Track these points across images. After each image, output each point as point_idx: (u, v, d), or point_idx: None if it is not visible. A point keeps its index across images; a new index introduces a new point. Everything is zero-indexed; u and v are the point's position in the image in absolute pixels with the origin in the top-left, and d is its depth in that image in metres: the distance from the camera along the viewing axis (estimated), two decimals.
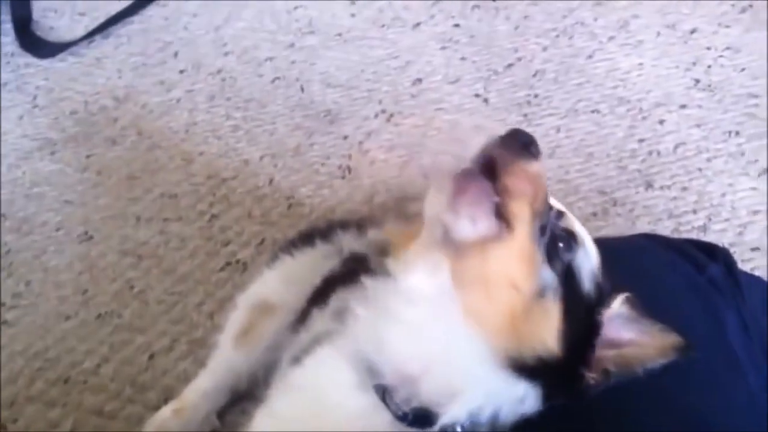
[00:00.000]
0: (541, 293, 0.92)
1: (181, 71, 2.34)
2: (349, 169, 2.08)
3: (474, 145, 0.92)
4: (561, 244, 0.95)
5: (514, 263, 0.90)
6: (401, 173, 2.07)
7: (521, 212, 0.91)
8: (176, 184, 2.09)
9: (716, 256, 1.28)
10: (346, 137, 2.17)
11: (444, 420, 0.92)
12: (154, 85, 2.31)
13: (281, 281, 1.47)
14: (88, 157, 2.16)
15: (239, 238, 1.94)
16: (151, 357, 1.70)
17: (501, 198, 0.90)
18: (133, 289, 1.84)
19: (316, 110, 2.23)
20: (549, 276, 0.93)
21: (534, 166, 0.92)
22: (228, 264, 1.88)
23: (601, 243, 1.40)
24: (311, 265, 1.41)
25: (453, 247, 0.89)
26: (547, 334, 0.92)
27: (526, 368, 0.92)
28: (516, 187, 0.90)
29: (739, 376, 1.10)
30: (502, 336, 0.90)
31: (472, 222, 0.89)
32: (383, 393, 0.94)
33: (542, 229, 0.93)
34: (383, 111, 2.22)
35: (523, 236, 0.91)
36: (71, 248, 1.93)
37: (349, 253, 1.39)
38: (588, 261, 0.98)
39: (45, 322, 1.77)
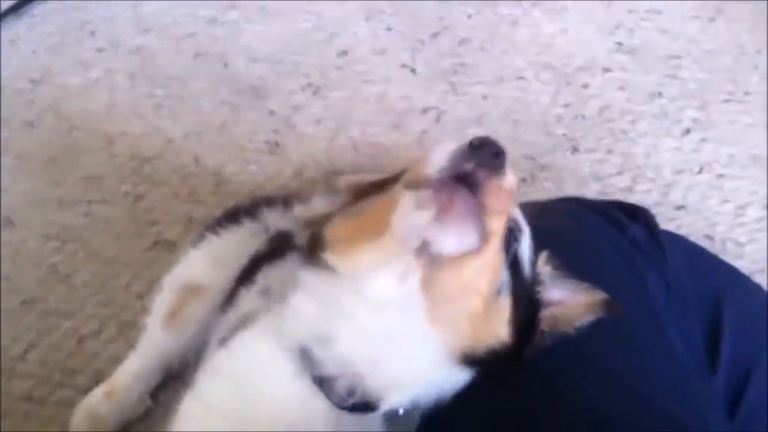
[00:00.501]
0: (498, 292, 0.92)
1: (99, 50, 2.28)
2: (277, 144, 2.06)
3: (440, 154, 0.87)
4: (509, 237, 0.94)
5: (486, 272, 0.90)
6: (330, 147, 2.06)
7: (499, 227, 0.89)
8: (99, 166, 2.03)
9: (638, 217, 1.30)
10: (272, 112, 2.14)
11: (386, 407, 0.93)
12: (71, 66, 2.24)
13: (207, 261, 1.44)
14: (6, 141, 2.08)
15: (166, 217, 1.90)
16: (80, 341, 1.66)
17: (481, 215, 0.87)
18: (59, 273, 1.79)
19: (240, 86, 2.19)
20: (505, 274, 0.93)
21: (508, 181, 0.88)
22: (156, 244, 1.84)
23: (527, 208, 1.41)
24: (237, 244, 1.39)
25: (429, 258, 0.86)
26: (500, 328, 0.93)
27: (477, 359, 0.92)
28: (495, 206, 0.87)
29: (659, 334, 1.11)
30: (461, 337, 0.90)
31: (459, 238, 0.86)
32: (321, 381, 0.92)
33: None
34: (309, 84, 2.20)
35: (496, 247, 0.90)
36: None
37: (276, 232, 1.37)
38: (527, 245, 0.99)
39: None
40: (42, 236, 1.87)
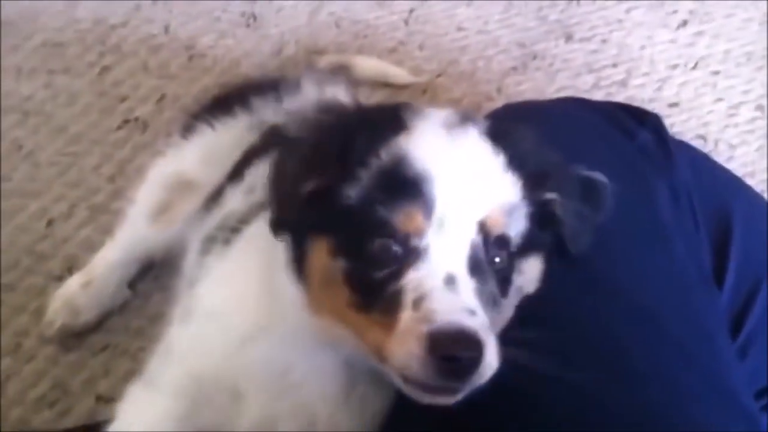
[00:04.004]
0: None
1: None
2: (254, 17, 1.93)
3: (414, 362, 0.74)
4: None
5: None
6: (311, 23, 1.94)
7: None
8: (59, 31, 1.89)
9: (646, 122, 1.23)
10: None
11: None
12: None
13: (201, 156, 1.34)
14: None
15: (136, 93, 1.78)
16: (49, 224, 1.56)
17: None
18: (22, 149, 1.67)
19: None
20: None
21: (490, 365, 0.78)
22: (125, 122, 1.73)
23: (529, 107, 1.34)
24: (233, 138, 1.30)
25: None
26: None
27: None
28: None
29: (665, 245, 1.07)
30: None
31: None
32: None
33: None
34: None
35: None
36: None
37: (269, 127, 1.28)
38: None
39: None
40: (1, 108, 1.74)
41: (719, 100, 1.84)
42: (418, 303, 0.75)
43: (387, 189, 0.79)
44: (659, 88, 1.84)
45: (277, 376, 0.92)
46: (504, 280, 0.82)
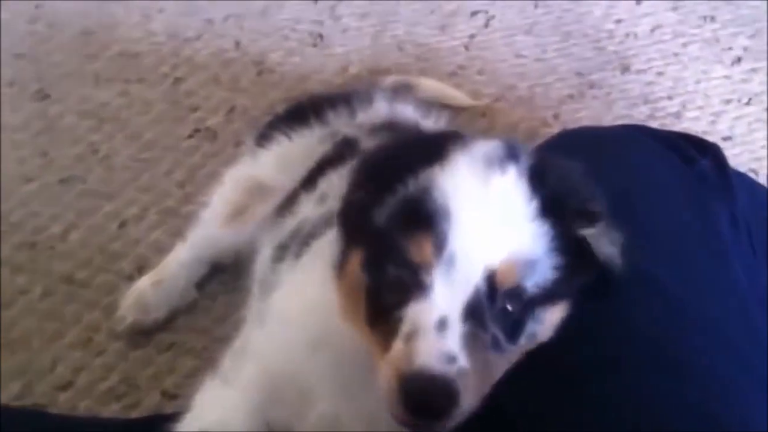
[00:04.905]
0: None
1: None
2: (321, 37, 2.00)
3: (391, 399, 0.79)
4: None
5: None
6: (374, 44, 2.01)
7: None
8: (136, 42, 1.98)
9: (706, 151, 1.27)
10: (316, 0, 2.07)
11: None
12: None
13: (277, 163, 1.42)
14: (37, 7, 2.04)
15: (207, 104, 1.86)
16: (122, 225, 1.64)
17: None
18: (97, 153, 1.75)
19: None
20: None
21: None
22: (197, 131, 1.80)
23: (590, 132, 1.38)
24: (307, 148, 1.37)
25: None
26: None
27: None
28: None
29: (725, 262, 1.11)
30: None
31: None
32: None
33: None
34: None
35: None
36: (27, 106, 1.83)
37: (342, 138, 1.35)
38: None
39: (6, 183, 1.68)
40: (78, 112, 1.83)
41: None
42: (408, 338, 0.78)
43: (407, 218, 0.82)
44: (713, 122, 1.88)
45: (343, 381, 0.97)
46: (515, 325, 0.84)
